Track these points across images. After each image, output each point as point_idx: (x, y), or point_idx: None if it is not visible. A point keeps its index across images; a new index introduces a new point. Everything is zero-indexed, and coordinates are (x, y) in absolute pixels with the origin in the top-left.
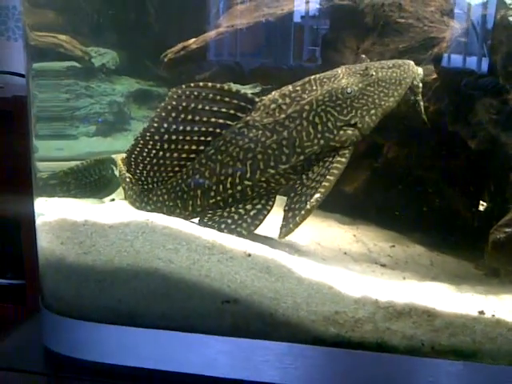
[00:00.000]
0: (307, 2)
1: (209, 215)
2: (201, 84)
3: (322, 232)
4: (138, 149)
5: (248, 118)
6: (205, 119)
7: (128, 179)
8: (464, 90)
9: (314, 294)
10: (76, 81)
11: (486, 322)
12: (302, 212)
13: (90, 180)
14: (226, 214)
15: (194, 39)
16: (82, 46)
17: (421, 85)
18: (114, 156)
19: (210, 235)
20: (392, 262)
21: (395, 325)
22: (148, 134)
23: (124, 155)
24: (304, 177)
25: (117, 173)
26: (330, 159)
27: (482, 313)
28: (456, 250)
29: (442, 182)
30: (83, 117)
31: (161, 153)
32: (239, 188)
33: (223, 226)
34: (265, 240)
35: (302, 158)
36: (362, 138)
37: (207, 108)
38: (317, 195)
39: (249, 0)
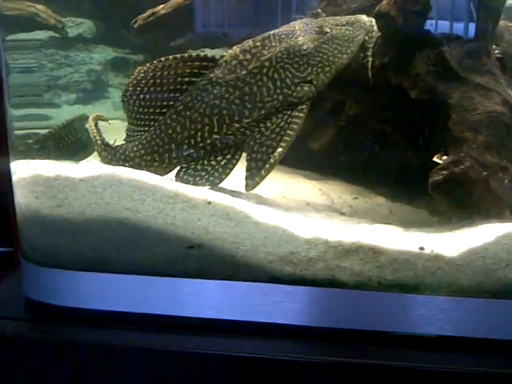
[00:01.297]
0: None
1: (184, 169)
2: (162, 59)
3: (289, 187)
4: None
5: (211, 74)
6: (172, 80)
7: (100, 141)
8: (403, 44)
9: (270, 237)
10: (56, 50)
11: (426, 258)
12: (267, 166)
13: (67, 143)
14: (199, 167)
15: (162, 5)
16: (55, 15)
17: (374, 39)
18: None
19: (172, 185)
20: (352, 211)
21: (344, 262)
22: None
23: (94, 114)
24: (262, 125)
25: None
26: (289, 113)
27: (422, 249)
28: (418, 201)
29: (394, 134)
30: (64, 85)
31: (140, 109)
32: (209, 141)
33: (198, 178)
34: (231, 193)
35: (263, 112)
36: (317, 93)
37: (172, 73)
38: (279, 149)
39: None
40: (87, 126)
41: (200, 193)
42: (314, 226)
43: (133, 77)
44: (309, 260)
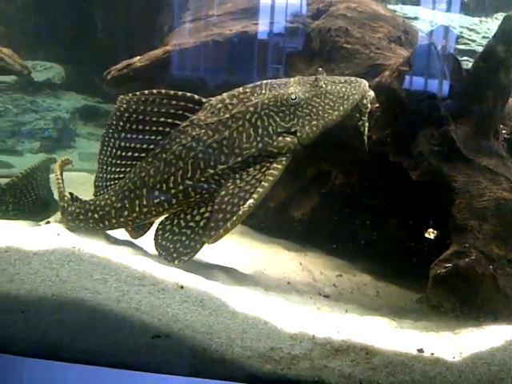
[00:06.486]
0: (256, 24)
1: (160, 232)
2: (146, 92)
3: (267, 259)
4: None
5: (194, 117)
6: (154, 119)
7: (66, 196)
8: (405, 120)
9: (248, 329)
10: (22, 95)
11: (425, 361)
12: (234, 218)
13: (28, 200)
14: (177, 230)
15: (138, 57)
16: (21, 61)
17: (370, 105)
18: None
19: (140, 265)
20: (336, 293)
21: (333, 362)
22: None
23: (62, 159)
24: (237, 176)
25: (55, 194)
26: (267, 164)
27: (421, 351)
28: (403, 279)
29: (386, 211)
30: (28, 132)
31: (118, 152)
32: (181, 188)
33: (178, 244)
34: (205, 268)
35: (239, 159)
36: (300, 147)
37: (156, 110)
38: (250, 201)
39: (198, 19)
40: (53, 177)
41: (171, 275)
42: (299, 316)
43: (116, 107)
44: (292, 358)
